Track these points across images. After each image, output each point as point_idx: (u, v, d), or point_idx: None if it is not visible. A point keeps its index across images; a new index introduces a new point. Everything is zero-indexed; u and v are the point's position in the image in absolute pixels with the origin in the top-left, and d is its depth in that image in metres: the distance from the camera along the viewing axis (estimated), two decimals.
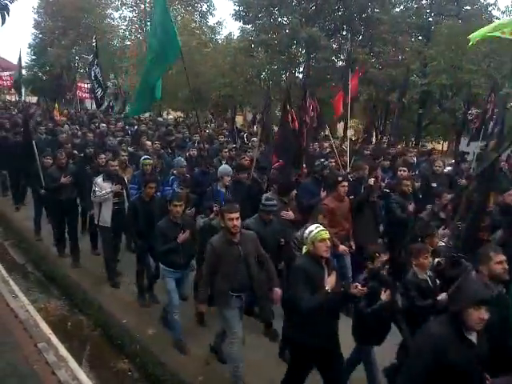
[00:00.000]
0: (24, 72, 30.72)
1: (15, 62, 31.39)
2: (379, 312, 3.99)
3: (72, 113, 22.86)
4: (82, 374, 4.86)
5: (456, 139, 20.67)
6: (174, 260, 5.34)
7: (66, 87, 26.67)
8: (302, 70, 23.95)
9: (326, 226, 4.56)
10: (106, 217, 6.88)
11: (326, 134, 14.16)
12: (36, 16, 35.82)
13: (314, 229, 4.00)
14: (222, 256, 4.47)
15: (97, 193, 6.78)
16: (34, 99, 35.75)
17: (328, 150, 11.24)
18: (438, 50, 17.71)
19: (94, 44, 18.87)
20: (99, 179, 6.85)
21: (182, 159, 8.15)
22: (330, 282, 3.85)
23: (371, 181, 6.81)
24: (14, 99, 32.21)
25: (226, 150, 9.74)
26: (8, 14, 5.81)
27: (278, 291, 4.69)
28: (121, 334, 5.90)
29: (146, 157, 8.02)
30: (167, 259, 5.36)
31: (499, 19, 19.09)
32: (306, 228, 4.18)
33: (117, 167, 7.19)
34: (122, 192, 7.00)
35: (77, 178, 7.82)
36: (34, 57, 36.17)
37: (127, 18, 32.05)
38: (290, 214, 6.08)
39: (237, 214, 4.47)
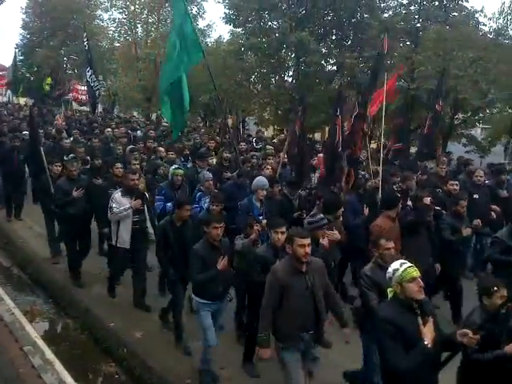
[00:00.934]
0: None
1: (3, 62, 31.25)
2: (502, 361, 3.29)
3: (68, 115, 22.03)
4: (68, 378, 4.81)
5: (442, 143, 20.85)
6: (212, 290, 4.71)
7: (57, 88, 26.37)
8: (291, 73, 24.03)
9: (392, 249, 4.29)
10: (124, 237, 6.07)
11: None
12: (24, 16, 35.57)
13: (399, 266, 3.27)
14: (288, 288, 3.87)
15: (114, 209, 5.98)
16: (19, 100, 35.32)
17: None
18: (426, 55, 17.88)
19: (86, 44, 17.56)
20: (117, 194, 6.07)
21: (207, 172, 7.35)
22: (428, 333, 3.10)
23: (427, 200, 6.18)
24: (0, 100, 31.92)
25: (250, 164, 8.86)
26: None
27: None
28: (108, 337, 5.87)
29: (176, 166, 7.28)
30: (203, 289, 4.73)
31: (486, 25, 19.42)
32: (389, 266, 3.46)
33: (137, 180, 6.34)
34: (142, 208, 6.21)
35: (89, 192, 7.10)
36: (21, 57, 35.86)
37: (116, 20, 31.83)
38: (336, 235, 5.37)
39: (309, 240, 3.93)
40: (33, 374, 4.74)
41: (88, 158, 9.15)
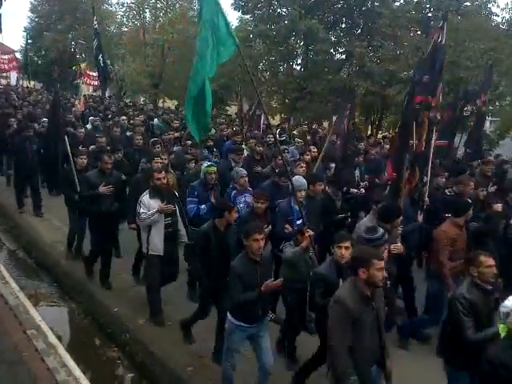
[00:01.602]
0: (19, 56, 30.44)
1: (11, 45, 31.18)
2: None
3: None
4: (70, 362, 4.83)
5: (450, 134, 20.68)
6: (250, 311, 4.11)
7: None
8: (299, 61, 23.82)
9: (493, 267, 3.80)
10: (157, 243, 5.48)
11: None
12: (33, 0, 35.39)
13: None
14: (358, 320, 3.32)
15: (142, 215, 5.40)
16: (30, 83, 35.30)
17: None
18: None
19: (96, 27, 16.58)
20: (145, 197, 5.48)
21: (241, 168, 6.65)
22: None
23: (498, 206, 5.73)
24: (5, 82, 31.81)
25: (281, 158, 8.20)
26: None
27: None
28: (111, 323, 5.91)
29: (210, 163, 6.50)
30: (240, 310, 4.13)
31: (498, 16, 19.11)
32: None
33: (165, 180, 5.66)
34: (174, 209, 5.63)
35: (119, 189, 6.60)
36: (29, 41, 35.80)
37: (125, 4, 31.62)
38: (399, 247, 4.90)
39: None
40: (36, 358, 4.75)
41: (109, 148, 8.46)
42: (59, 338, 5.29)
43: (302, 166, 6.89)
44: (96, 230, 6.52)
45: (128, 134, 10.80)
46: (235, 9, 23.24)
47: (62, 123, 8.50)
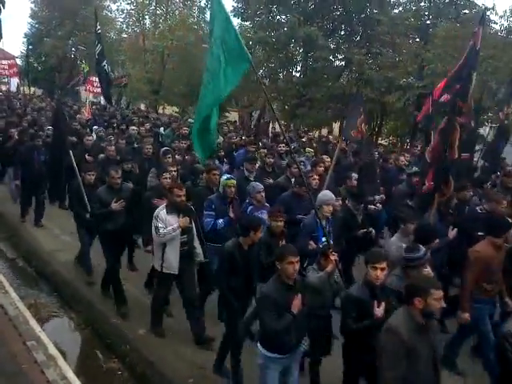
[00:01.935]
0: (19, 62, 30.48)
1: (11, 51, 31.25)
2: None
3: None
4: (70, 373, 4.81)
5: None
6: (284, 340, 3.79)
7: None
8: (299, 68, 23.92)
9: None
10: (172, 261, 5.24)
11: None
12: (33, 5, 35.58)
13: None
14: (413, 351, 3.12)
15: (161, 230, 5.14)
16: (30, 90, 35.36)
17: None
18: (436, 53, 17.73)
19: (99, 32, 15.77)
20: (162, 212, 5.23)
21: (257, 183, 6.28)
22: None
23: None
24: (4, 88, 31.85)
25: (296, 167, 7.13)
26: (3, 6, 5.79)
27: None
28: (111, 333, 5.88)
29: (229, 176, 6.12)
30: (274, 340, 3.83)
31: (497, 24, 19.19)
32: None
33: (184, 197, 5.36)
34: (191, 226, 5.41)
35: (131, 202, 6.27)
36: (30, 47, 35.93)
37: (125, 11, 31.79)
38: (430, 272, 4.49)
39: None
40: (36, 370, 4.74)
41: (118, 158, 8.33)
42: (59, 349, 5.27)
43: (314, 178, 6.67)
44: (110, 248, 6.22)
45: (136, 145, 10.49)
46: (235, 16, 23.37)
47: (67, 132, 8.20)
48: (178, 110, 30.53)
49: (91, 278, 6.95)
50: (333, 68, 22.80)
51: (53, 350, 5.09)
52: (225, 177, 6.01)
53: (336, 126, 24.52)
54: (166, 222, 5.17)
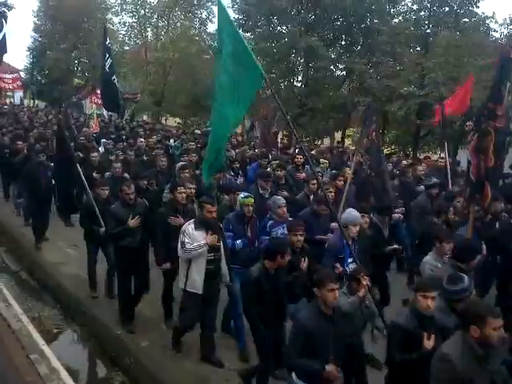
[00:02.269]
0: (23, 75, 30.75)
1: (15, 65, 31.56)
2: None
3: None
4: None
5: (453, 150, 20.74)
6: (318, 372, 3.51)
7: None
8: (300, 78, 24.05)
9: None
10: (197, 279, 4.95)
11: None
12: (36, 19, 35.92)
13: None
14: (468, 382, 2.87)
15: (187, 245, 4.90)
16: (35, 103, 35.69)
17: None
18: (436, 61, 17.80)
19: (110, 45, 15.04)
20: (190, 227, 5.01)
21: (279, 197, 6.02)
22: None
23: None
24: (7, 101, 32.12)
25: (314, 183, 6.96)
26: (6, 21, 5.83)
27: None
28: (114, 346, 5.86)
29: (247, 194, 5.79)
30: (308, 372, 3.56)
31: (497, 31, 19.29)
32: None
33: (215, 213, 5.12)
34: (218, 245, 5.09)
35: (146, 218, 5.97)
36: (33, 60, 36.31)
37: (127, 24, 32.13)
38: None
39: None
40: (39, 383, 4.73)
41: (127, 175, 8.03)
42: (62, 362, 5.25)
43: (330, 191, 6.39)
44: (124, 266, 5.92)
45: (145, 157, 10.27)
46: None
47: (73, 147, 7.82)
48: (180, 120, 30.74)
49: (95, 294, 6.83)
50: (334, 78, 22.94)
51: (56, 363, 5.09)
52: (242, 195, 5.72)
53: (338, 136, 24.57)
54: (193, 237, 4.91)
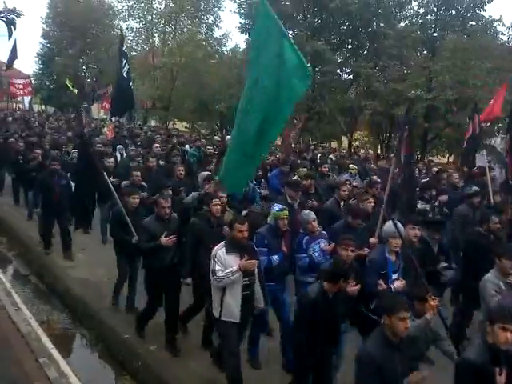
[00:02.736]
0: (32, 81, 31.05)
1: (24, 70, 31.91)
2: None
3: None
4: None
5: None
6: None
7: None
8: None
9: None
10: (233, 308, 4.49)
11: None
12: (44, 26, 36.35)
13: None
14: None
15: (219, 273, 4.41)
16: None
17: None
18: (443, 65, 17.77)
19: (126, 51, 13.55)
20: (221, 251, 4.51)
21: (309, 211, 5.58)
22: None
23: None
24: (15, 106, 32.51)
25: (345, 189, 6.82)
26: (15, 28, 5.88)
27: None
28: (122, 350, 5.87)
29: (282, 206, 5.39)
30: None
31: (504, 35, 19.23)
32: None
33: (247, 233, 4.63)
34: (249, 267, 4.56)
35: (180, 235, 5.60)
36: (41, 66, 36.73)
37: (134, 29, 32.38)
38: None
39: None
40: None
41: (145, 184, 7.75)
42: (71, 365, 5.28)
43: (370, 201, 6.09)
44: (154, 286, 5.58)
45: (161, 162, 10.06)
46: (242, 32, 23.70)
47: (93, 157, 7.28)
48: (187, 125, 30.88)
49: (132, 311, 6.43)
50: (341, 82, 22.94)
51: (65, 367, 5.14)
52: (276, 207, 5.34)
53: (345, 140, 24.55)
54: (225, 263, 4.44)
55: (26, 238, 9.75)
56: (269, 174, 9.34)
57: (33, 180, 9.25)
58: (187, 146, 13.54)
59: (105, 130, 16.01)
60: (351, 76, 23.14)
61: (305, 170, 8.45)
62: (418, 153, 22.09)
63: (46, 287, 8.03)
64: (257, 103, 4.57)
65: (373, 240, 5.50)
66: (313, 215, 5.41)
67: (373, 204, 6.15)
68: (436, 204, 7.56)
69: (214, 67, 26.80)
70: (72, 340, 6.48)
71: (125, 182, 8.06)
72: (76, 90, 23.93)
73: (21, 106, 33.25)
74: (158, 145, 11.95)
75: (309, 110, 21.90)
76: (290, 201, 6.40)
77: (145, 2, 31.13)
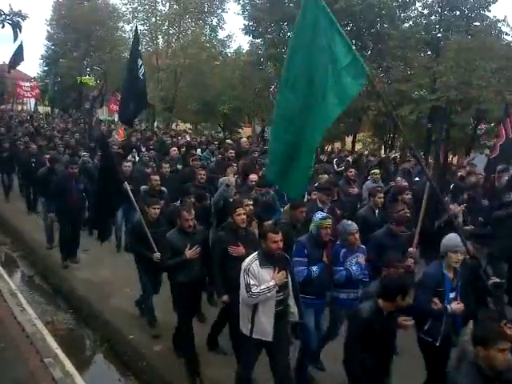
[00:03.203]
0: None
1: (29, 73, 32.05)
2: None
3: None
4: None
5: (465, 154, 20.61)
6: None
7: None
8: None
9: None
10: (265, 325, 4.15)
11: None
12: (49, 28, 36.49)
13: None
14: None
15: (253, 289, 4.05)
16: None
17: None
18: (447, 65, 17.72)
19: (142, 52, 13.58)
20: (254, 264, 4.14)
21: (350, 222, 5.19)
22: None
23: None
24: (19, 108, 32.65)
25: (381, 196, 6.48)
26: (20, 30, 5.89)
27: None
28: (127, 350, 5.88)
29: (325, 214, 5.04)
30: None
31: (509, 35, 19.14)
32: None
33: (281, 242, 4.23)
34: (287, 281, 4.26)
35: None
36: (46, 68, 36.90)
37: (138, 31, 32.45)
38: None
39: None
40: None
41: (164, 189, 7.47)
42: (76, 365, 5.29)
43: (406, 212, 5.74)
44: (183, 303, 5.15)
45: (179, 167, 9.75)
46: (246, 33, 23.70)
47: (115, 163, 6.56)
48: (191, 126, 30.92)
49: (156, 331, 5.99)
50: None
51: (70, 367, 5.13)
52: (320, 215, 4.95)
53: (348, 140, 24.51)
54: (260, 277, 4.09)
55: (31, 239, 9.78)
56: None
57: (45, 184, 8.78)
58: (199, 150, 13.04)
59: (114, 132, 15.70)
60: None
61: (326, 176, 7.87)
62: (422, 154, 22.06)
63: (50, 288, 8.06)
64: (301, 108, 4.06)
65: (412, 250, 5.28)
66: (355, 226, 5.04)
67: (408, 214, 5.78)
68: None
69: (217, 69, 26.83)
70: (77, 340, 6.49)
71: (143, 187, 7.73)
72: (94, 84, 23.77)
73: (25, 107, 33.40)
74: (175, 148, 11.51)
75: None
76: (320, 205, 6.11)
77: (149, 4, 31.17)
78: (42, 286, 8.19)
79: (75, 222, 8.24)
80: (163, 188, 7.55)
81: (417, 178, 9.56)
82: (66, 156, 10.53)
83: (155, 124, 29.68)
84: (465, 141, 19.87)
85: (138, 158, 11.36)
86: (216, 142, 15.09)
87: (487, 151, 19.36)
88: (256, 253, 4.23)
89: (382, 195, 6.51)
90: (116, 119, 25.50)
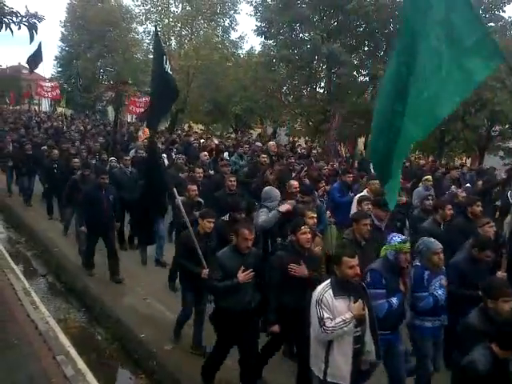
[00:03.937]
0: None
1: (43, 74, 32.41)
2: None
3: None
4: None
5: (479, 155, 20.41)
6: None
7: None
8: (323, 85, 24.00)
9: None
10: (342, 367, 3.59)
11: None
12: (63, 29, 36.94)
13: None
14: None
15: (327, 323, 3.53)
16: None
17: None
18: None
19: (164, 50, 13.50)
20: (328, 293, 3.62)
21: (433, 240, 4.54)
22: None
23: None
24: (34, 108, 33.06)
25: (451, 207, 5.97)
26: (36, 32, 5.93)
27: None
28: (138, 349, 5.91)
29: (403, 237, 4.38)
30: None
31: None
32: None
33: (358, 267, 3.69)
34: (364, 313, 3.66)
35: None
36: (60, 69, 37.33)
37: (151, 33, 32.68)
38: None
39: None
40: None
41: (202, 201, 6.90)
42: (88, 363, 5.34)
43: (491, 226, 5.27)
44: (225, 330, 4.64)
45: (211, 172, 9.34)
46: (258, 34, 23.67)
47: (163, 171, 6.14)
48: (202, 127, 31.06)
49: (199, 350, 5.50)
50: (357, 84, 22.78)
51: (81, 365, 5.19)
52: (398, 238, 4.28)
53: (361, 142, 24.40)
54: (334, 309, 3.57)
55: (45, 238, 9.90)
56: (327, 187, 8.02)
57: (72, 192, 8.59)
58: (226, 154, 12.50)
59: (139, 133, 15.26)
60: (367, 78, 22.98)
61: (377, 182, 6.73)
62: (435, 155, 21.87)
63: (63, 286, 8.14)
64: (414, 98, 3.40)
65: (501, 274, 4.67)
66: (439, 245, 4.44)
67: (494, 229, 5.18)
68: None
69: (229, 70, 26.92)
70: (89, 338, 6.55)
71: (181, 199, 6.74)
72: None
73: (37, 108, 33.79)
74: (206, 153, 10.70)
75: (325, 112, 21.82)
76: (376, 222, 5.46)
77: (162, 6, 31.40)
78: (55, 285, 8.28)
79: (107, 235, 7.70)
80: (200, 199, 6.95)
81: (468, 185, 9.32)
82: (98, 164, 10.13)
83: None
84: (479, 142, 19.68)
85: (167, 163, 10.88)
86: (246, 146, 14.16)
87: (501, 153, 19.10)
88: (328, 281, 3.72)
89: (451, 207, 5.88)
90: (134, 120, 25.61)
